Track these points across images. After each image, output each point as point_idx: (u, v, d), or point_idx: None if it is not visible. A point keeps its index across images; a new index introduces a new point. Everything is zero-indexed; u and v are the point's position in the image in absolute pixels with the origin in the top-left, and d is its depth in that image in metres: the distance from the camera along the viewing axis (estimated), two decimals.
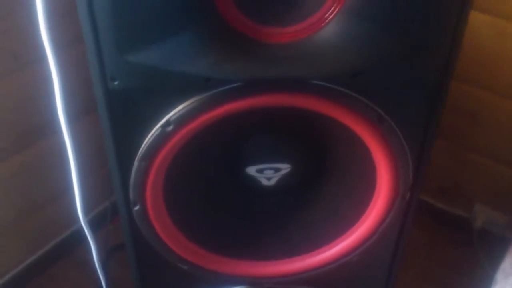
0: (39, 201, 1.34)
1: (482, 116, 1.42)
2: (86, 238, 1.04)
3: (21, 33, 1.11)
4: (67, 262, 1.46)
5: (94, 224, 1.30)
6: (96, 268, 1.13)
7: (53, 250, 1.43)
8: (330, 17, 0.70)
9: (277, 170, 0.90)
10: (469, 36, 1.22)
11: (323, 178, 0.92)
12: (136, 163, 0.80)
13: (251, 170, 0.90)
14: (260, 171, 0.90)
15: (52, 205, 1.37)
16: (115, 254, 1.33)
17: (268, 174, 0.91)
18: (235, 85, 0.73)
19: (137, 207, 0.85)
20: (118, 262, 1.31)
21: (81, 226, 1.00)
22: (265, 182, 0.92)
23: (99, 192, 1.36)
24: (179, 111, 0.75)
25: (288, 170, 0.90)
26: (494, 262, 1.16)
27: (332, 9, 0.69)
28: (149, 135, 0.78)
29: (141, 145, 0.79)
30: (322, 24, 0.70)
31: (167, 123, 0.76)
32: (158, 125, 0.77)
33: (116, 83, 0.73)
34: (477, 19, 1.26)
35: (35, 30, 0.76)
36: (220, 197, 0.93)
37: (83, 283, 1.42)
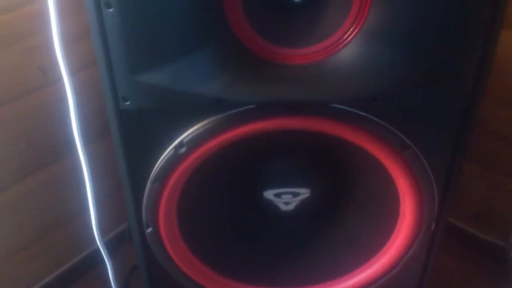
0: (59, 220, 1.34)
1: None
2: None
3: (45, 52, 1.11)
4: (91, 279, 1.45)
5: (114, 244, 1.30)
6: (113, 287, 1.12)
7: (76, 267, 1.42)
8: (349, 38, 0.67)
9: (295, 194, 0.87)
10: (504, 58, 1.17)
11: (343, 204, 0.88)
12: (148, 185, 0.79)
13: (269, 194, 0.87)
14: (278, 195, 0.87)
15: (72, 224, 1.36)
16: (136, 274, 1.31)
17: (287, 198, 0.87)
18: (248, 107, 0.70)
19: (149, 229, 0.83)
20: (141, 282, 1.29)
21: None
22: (283, 207, 0.88)
23: (119, 213, 1.35)
24: (192, 132, 0.73)
25: (307, 195, 0.87)
26: None
27: (351, 30, 0.66)
28: (162, 157, 0.76)
29: (154, 166, 0.77)
30: (340, 46, 0.67)
31: (180, 144, 0.74)
32: (171, 147, 0.75)
33: (127, 103, 0.71)
34: None
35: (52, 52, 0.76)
36: (236, 221, 0.90)
37: None
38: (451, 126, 0.75)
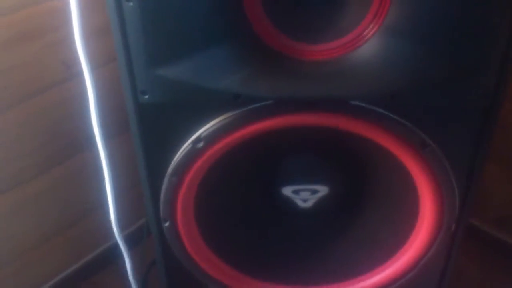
0: (78, 214, 1.35)
1: None
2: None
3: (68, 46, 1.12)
4: (109, 273, 1.47)
5: (133, 239, 1.30)
6: (131, 281, 1.12)
7: (95, 261, 1.44)
8: (369, 34, 0.66)
9: (314, 192, 0.86)
10: None
11: (362, 203, 0.87)
12: (166, 179, 0.79)
13: (287, 191, 0.87)
14: (296, 192, 0.87)
15: (92, 218, 1.38)
16: (154, 268, 1.32)
17: (305, 195, 0.87)
18: (266, 103, 0.70)
19: (167, 224, 0.83)
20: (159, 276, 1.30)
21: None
22: (301, 204, 0.88)
23: (138, 208, 1.36)
24: (210, 127, 0.73)
25: (325, 192, 0.86)
26: None
27: (371, 26, 0.65)
28: (180, 151, 0.76)
29: (172, 161, 0.77)
30: (361, 42, 0.66)
31: (198, 139, 0.74)
32: (189, 141, 0.75)
33: (146, 97, 0.71)
34: None
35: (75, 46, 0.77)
36: (253, 216, 0.90)
37: None
38: (473, 125, 0.74)
